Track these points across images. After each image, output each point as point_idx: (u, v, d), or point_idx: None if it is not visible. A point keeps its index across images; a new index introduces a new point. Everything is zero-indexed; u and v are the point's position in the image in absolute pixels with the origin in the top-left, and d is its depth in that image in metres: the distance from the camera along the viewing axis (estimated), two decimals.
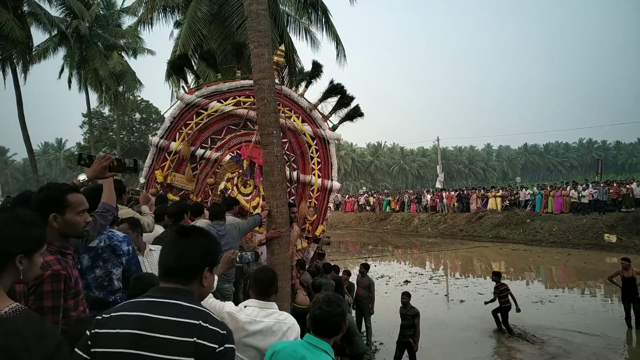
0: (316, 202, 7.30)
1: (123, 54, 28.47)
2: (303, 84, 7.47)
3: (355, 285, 8.95)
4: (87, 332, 1.45)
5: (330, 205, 7.49)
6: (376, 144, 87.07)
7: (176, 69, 7.59)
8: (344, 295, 7.54)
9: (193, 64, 9.27)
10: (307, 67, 9.13)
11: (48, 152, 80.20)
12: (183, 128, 6.95)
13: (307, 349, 2.08)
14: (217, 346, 1.41)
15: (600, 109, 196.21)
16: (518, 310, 9.01)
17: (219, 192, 6.85)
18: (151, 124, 39.06)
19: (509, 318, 9.11)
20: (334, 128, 7.43)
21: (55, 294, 1.98)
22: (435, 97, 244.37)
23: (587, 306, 11.13)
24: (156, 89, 19.91)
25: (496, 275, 9.34)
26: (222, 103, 7.02)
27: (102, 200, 2.75)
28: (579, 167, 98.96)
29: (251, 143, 6.82)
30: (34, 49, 21.40)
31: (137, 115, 39.35)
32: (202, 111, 7.00)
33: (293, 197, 6.96)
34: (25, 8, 19.37)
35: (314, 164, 7.29)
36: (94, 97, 29.25)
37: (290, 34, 13.48)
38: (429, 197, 31.17)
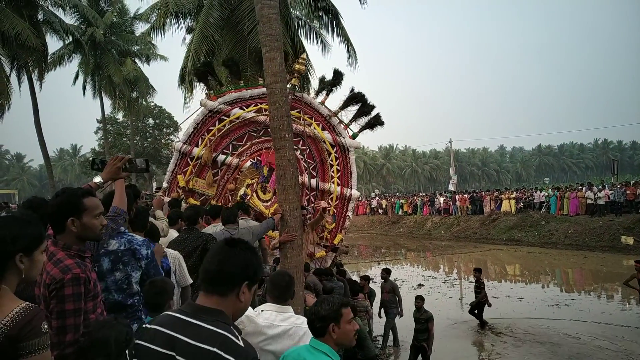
0: (335, 211, 7.26)
1: (136, 60, 28.83)
2: (324, 92, 7.45)
3: (378, 291, 8.93)
4: (135, 341, 1.53)
5: (349, 214, 7.44)
6: (388, 146, 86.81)
7: (200, 76, 7.67)
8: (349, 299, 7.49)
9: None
10: (318, 71, 9.12)
11: (63, 158, 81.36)
12: (205, 134, 7.03)
13: (309, 351, 2.11)
14: None
15: (615, 109, 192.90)
16: (489, 304, 9.68)
17: (238, 198, 6.89)
18: (164, 129, 39.56)
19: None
20: (354, 136, 7.42)
21: (76, 296, 2.01)
22: (447, 99, 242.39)
23: (604, 309, 10.94)
24: (169, 95, 20.21)
25: (478, 272, 9.83)
26: (244, 110, 7.08)
27: (113, 204, 2.78)
28: (594, 168, 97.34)
29: (271, 149, 6.85)
30: (49, 57, 21.77)
31: (151, 121, 39.90)
32: (224, 117, 7.07)
33: (312, 205, 6.94)
34: (40, 16, 19.74)
35: (333, 171, 7.27)
36: (108, 103, 29.67)
37: (301, 38, 13.51)
38: (442, 199, 30.97)
